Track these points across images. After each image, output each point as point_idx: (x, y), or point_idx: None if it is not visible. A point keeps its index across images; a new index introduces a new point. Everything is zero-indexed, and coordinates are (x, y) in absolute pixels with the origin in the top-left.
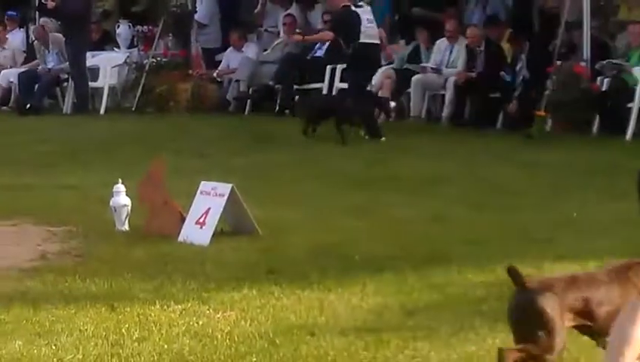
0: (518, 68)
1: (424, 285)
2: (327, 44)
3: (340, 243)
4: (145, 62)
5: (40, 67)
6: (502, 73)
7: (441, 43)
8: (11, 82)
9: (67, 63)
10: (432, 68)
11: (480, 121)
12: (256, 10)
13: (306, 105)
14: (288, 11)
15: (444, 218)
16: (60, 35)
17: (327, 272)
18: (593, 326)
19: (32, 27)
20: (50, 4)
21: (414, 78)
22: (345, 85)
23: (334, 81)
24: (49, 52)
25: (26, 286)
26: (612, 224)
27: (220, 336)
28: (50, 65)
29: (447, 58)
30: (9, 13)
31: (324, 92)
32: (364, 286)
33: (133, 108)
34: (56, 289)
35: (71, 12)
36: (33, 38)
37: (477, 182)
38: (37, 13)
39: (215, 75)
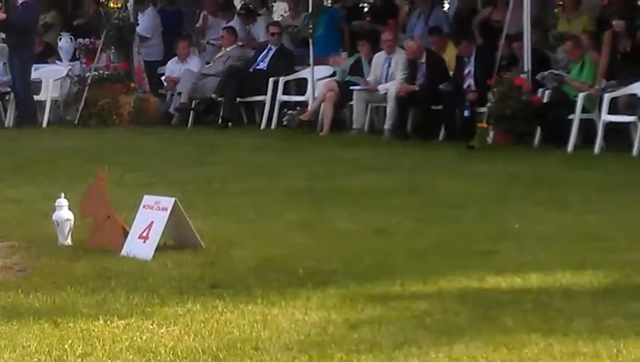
0: (465, 74)
1: (367, 298)
2: (271, 55)
3: (284, 258)
4: (87, 75)
5: None
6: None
7: (379, 56)
8: None
9: (9, 76)
10: (363, 88)
11: (422, 133)
12: (197, 24)
13: None
14: (230, 24)
15: (387, 231)
16: (5, 46)
17: (271, 286)
18: None
19: None
20: (1, 16)
21: (356, 91)
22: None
23: (277, 94)
24: None
25: None
26: (554, 236)
27: (163, 351)
28: None
29: (386, 71)
30: None
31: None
32: (307, 300)
33: (76, 122)
34: None
35: (17, 24)
36: None
37: (420, 194)
38: None
39: (164, 80)
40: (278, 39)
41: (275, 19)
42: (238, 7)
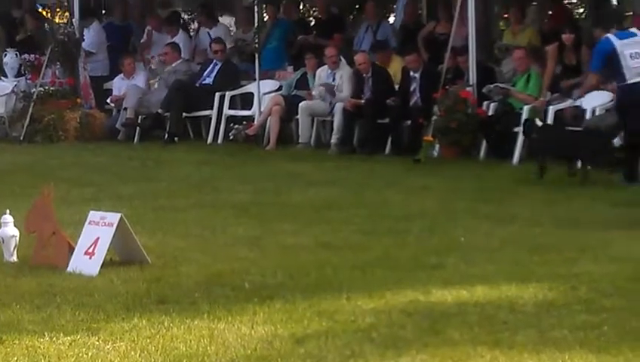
0: (412, 89)
1: (314, 312)
2: (216, 70)
3: (231, 272)
4: (33, 91)
5: None
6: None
7: (322, 71)
8: None
9: None
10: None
11: (369, 147)
12: (142, 40)
13: None
14: (174, 39)
15: (333, 244)
16: None
17: (217, 301)
18: None
19: None
20: None
21: (302, 105)
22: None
23: (223, 108)
24: None
25: None
26: (499, 248)
27: None
28: None
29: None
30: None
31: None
32: (254, 314)
33: (22, 138)
34: None
35: None
36: None
37: (366, 207)
38: None
39: (109, 101)
40: (222, 55)
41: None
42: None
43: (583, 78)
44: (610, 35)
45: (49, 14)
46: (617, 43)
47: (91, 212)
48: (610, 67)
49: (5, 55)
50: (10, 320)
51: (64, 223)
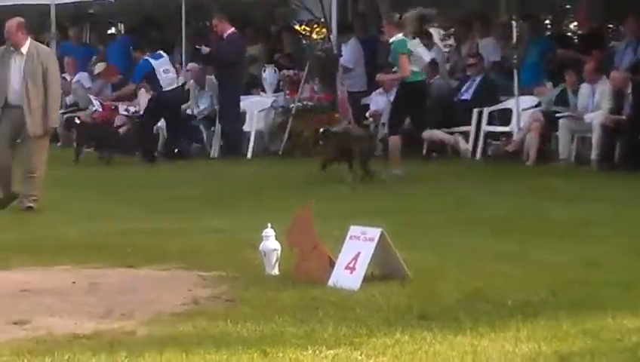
0: None
1: (578, 331)
2: (475, 86)
3: (492, 289)
4: (291, 106)
5: (190, 110)
6: None
7: (584, 87)
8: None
9: (217, 107)
10: (571, 115)
11: (630, 163)
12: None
13: None
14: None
15: (597, 262)
16: (213, 78)
17: (479, 318)
18: None
19: (181, 71)
20: (205, 50)
21: (561, 121)
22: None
23: (481, 124)
24: (204, 94)
25: (178, 330)
26: None
27: None
28: (201, 107)
29: (591, 101)
30: None
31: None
32: (517, 331)
33: (280, 152)
34: (207, 334)
35: (226, 58)
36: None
37: (630, 225)
38: (182, 58)
39: (368, 115)
40: (479, 69)
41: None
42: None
43: None
44: None
45: (306, 30)
46: None
47: (352, 227)
48: None
49: (264, 70)
50: (273, 332)
51: (323, 238)
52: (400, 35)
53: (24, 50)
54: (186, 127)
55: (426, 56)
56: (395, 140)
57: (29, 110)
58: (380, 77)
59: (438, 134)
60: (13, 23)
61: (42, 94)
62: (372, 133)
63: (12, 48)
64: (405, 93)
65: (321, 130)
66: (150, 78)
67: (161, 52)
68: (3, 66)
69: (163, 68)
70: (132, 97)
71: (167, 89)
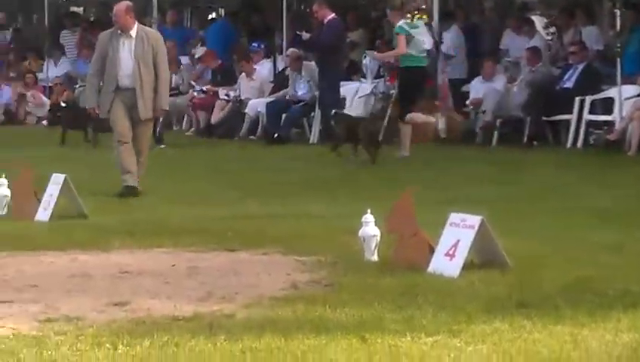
0: None
1: None
2: (577, 74)
3: (593, 278)
4: (391, 92)
5: (288, 95)
6: None
7: None
8: (259, 112)
9: (317, 93)
10: None
11: None
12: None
13: None
14: (531, 43)
15: None
16: (313, 64)
17: (580, 307)
18: None
19: (279, 57)
20: (305, 36)
21: None
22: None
23: (583, 113)
24: (301, 80)
25: (277, 314)
26: None
27: None
28: (300, 93)
29: None
30: (253, 45)
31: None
32: (618, 321)
33: (380, 139)
34: (306, 319)
35: (326, 43)
36: (283, 67)
37: None
38: (284, 43)
39: (468, 103)
40: (581, 57)
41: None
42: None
43: None
44: None
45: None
46: None
47: (452, 214)
48: None
49: (365, 57)
50: (372, 318)
51: (423, 224)
52: (402, 21)
53: (133, 33)
54: (285, 112)
55: (428, 44)
56: (405, 126)
57: (142, 93)
58: (375, 54)
59: (419, 117)
60: (121, 6)
61: (153, 77)
62: (379, 116)
63: (120, 32)
64: (404, 78)
65: (333, 112)
66: None
67: None
68: (112, 50)
69: None
70: (231, 83)
71: None
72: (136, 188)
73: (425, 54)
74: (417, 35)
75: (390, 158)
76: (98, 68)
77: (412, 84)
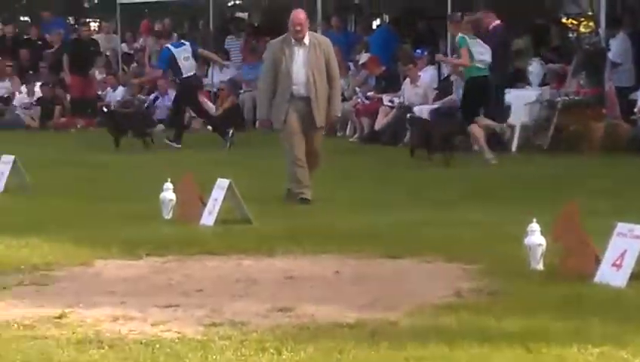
0: None
1: None
2: None
3: None
4: (557, 100)
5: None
6: None
7: None
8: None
9: None
10: None
11: None
12: None
13: None
14: None
15: None
16: None
17: None
18: None
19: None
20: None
21: None
22: None
23: None
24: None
25: (441, 323)
26: None
27: None
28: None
29: None
30: (417, 51)
31: None
32: None
33: (545, 147)
34: (470, 328)
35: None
36: (447, 74)
37: None
38: (448, 49)
39: (636, 111)
40: None
41: None
42: None
43: None
44: None
45: (573, 24)
46: None
47: (619, 224)
48: None
49: (531, 64)
50: (537, 328)
51: (591, 234)
52: (460, 35)
53: (306, 40)
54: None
55: (487, 56)
56: (475, 129)
57: (317, 101)
58: (438, 57)
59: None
60: (302, 14)
61: (326, 84)
62: (456, 121)
63: (293, 40)
64: (469, 86)
65: (408, 116)
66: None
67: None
68: (285, 59)
69: (183, 55)
70: (395, 89)
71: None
72: (309, 200)
73: (485, 66)
74: (473, 47)
75: (550, 165)
76: (271, 78)
77: (475, 92)
